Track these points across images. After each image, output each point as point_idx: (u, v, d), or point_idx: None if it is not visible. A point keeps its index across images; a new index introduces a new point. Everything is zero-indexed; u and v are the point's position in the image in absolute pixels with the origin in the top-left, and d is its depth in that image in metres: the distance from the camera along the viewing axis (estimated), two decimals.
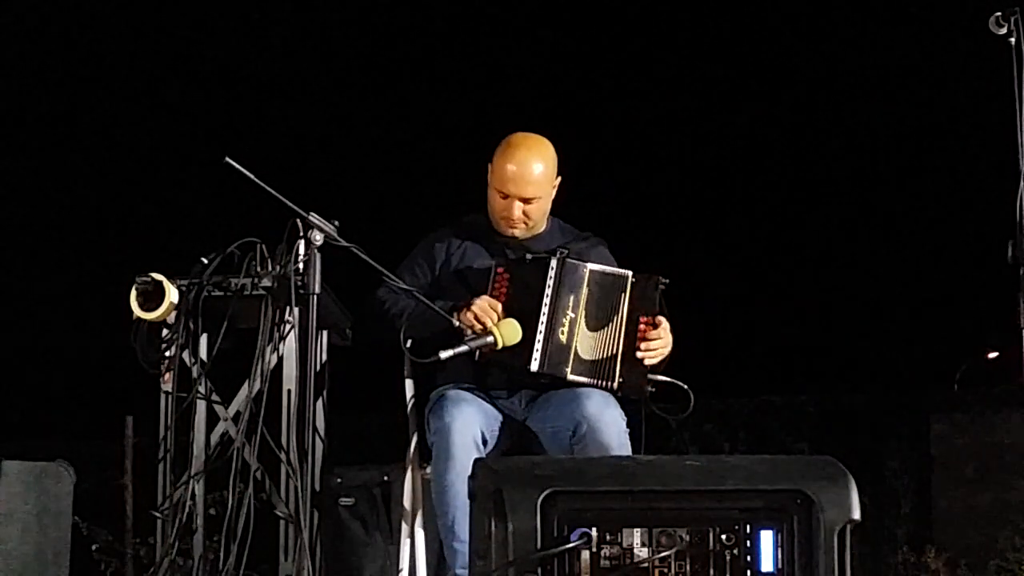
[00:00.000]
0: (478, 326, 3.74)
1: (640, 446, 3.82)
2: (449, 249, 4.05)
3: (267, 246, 3.84)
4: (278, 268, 3.77)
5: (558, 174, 4.03)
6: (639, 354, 3.83)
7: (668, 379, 3.88)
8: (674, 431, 7.82)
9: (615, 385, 3.81)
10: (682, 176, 13.35)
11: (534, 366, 3.75)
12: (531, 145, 3.99)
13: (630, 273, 3.87)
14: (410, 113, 12.44)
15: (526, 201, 3.94)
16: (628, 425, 3.78)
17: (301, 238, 3.68)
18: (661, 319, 3.86)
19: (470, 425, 3.69)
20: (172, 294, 3.82)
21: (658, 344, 3.85)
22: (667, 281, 3.88)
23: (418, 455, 3.89)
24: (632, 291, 3.85)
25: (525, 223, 3.99)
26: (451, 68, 12.72)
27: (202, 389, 3.91)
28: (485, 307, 3.78)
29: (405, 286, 3.83)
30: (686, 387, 3.86)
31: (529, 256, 3.86)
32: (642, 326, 3.84)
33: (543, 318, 3.76)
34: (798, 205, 13.46)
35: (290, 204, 3.64)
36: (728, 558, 2.70)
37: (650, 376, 3.85)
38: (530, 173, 3.93)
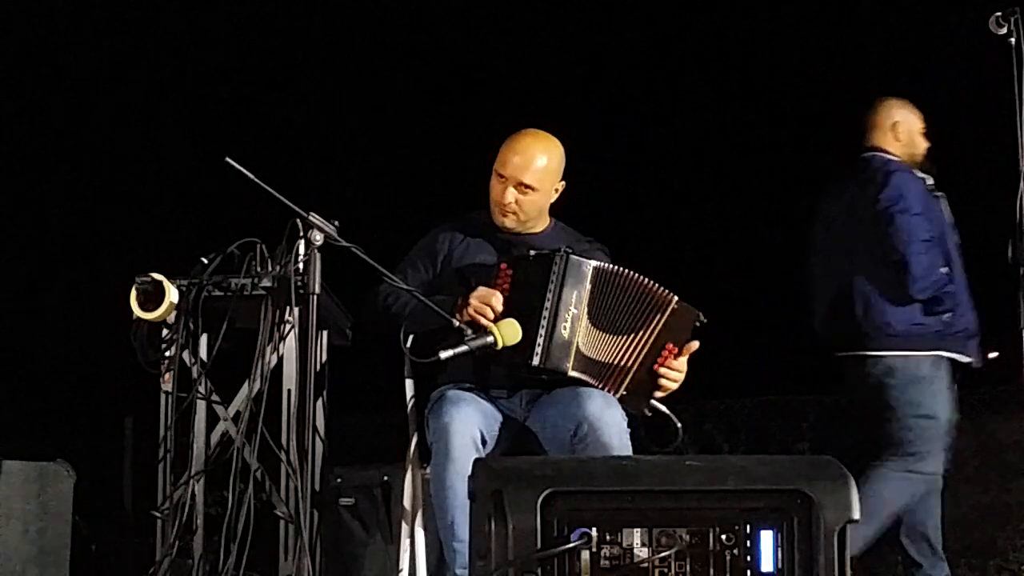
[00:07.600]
0: (480, 320, 3.73)
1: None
2: (452, 243, 4.05)
3: (267, 246, 3.84)
4: (278, 268, 3.78)
5: (564, 180, 4.02)
6: (655, 368, 3.83)
7: (666, 410, 3.87)
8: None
9: (617, 396, 3.81)
10: (681, 175, 13.35)
11: (535, 360, 3.73)
12: (539, 136, 4.01)
13: (676, 297, 3.82)
14: (411, 113, 12.43)
15: (521, 188, 3.94)
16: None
17: (301, 238, 3.69)
18: (685, 352, 3.83)
19: (469, 425, 3.68)
20: (172, 294, 3.82)
21: (675, 375, 3.84)
22: (706, 320, 3.84)
23: (418, 455, 3.89)
24: (670, 315, 3.81)
25: (516, 214, 3.99)
26: (452, 68, 12.72)
27: (202, 389, 3.91)
28: (483, 295, 3.76)
29: (406, 287, 3.83)
30: (679, 425, 3.85)
31: (533, 252, 3.85)
32: (666, 352, 3.81)
33: (545, 313, 3.74)
34: (798, 204, 13.44)
35: (290, 204, 3.64)
36: (728, 558, 2.70)
37: (652, 401, 3.85)
38: (531, 159, 3.93)
